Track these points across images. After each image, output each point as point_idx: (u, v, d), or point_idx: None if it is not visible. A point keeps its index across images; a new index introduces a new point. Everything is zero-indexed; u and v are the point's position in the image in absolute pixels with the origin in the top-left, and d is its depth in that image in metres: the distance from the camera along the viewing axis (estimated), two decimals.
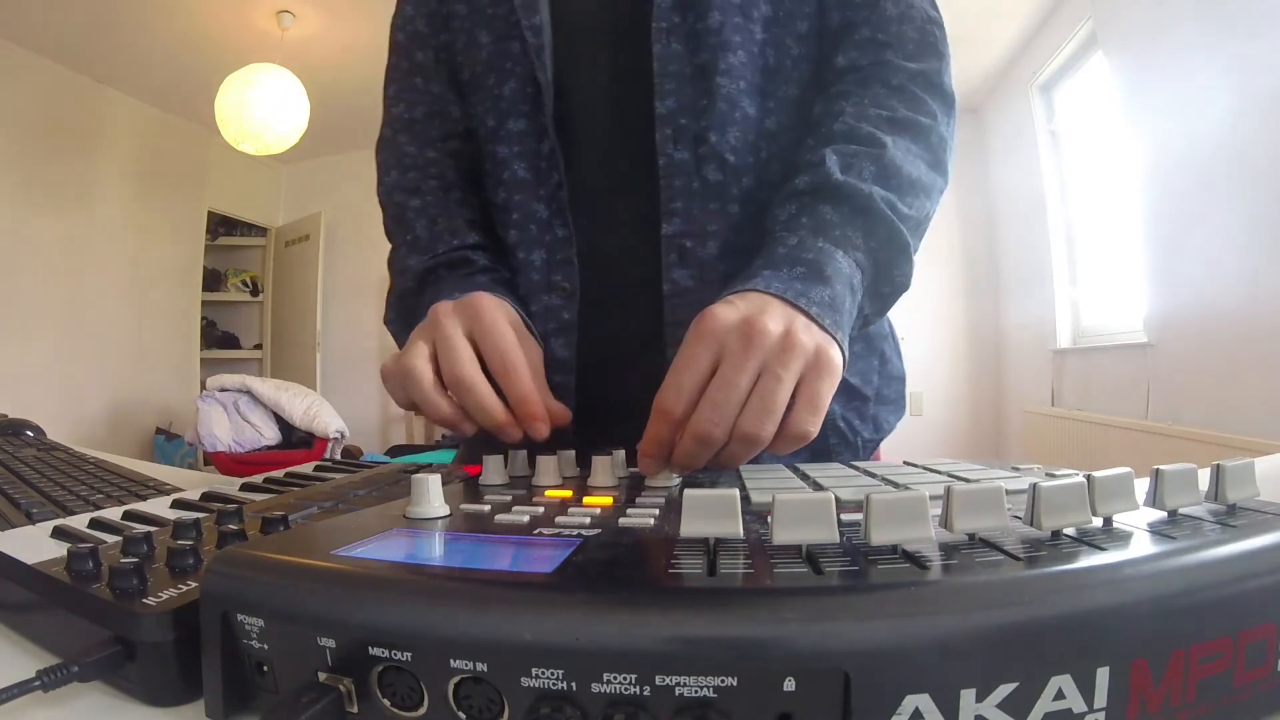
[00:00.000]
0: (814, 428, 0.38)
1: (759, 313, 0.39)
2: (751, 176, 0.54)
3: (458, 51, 0.61)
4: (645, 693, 0.17)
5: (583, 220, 0.56)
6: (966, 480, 0.32)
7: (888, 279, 0.48)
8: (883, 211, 0.47)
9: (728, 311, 0.39)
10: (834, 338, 0.41)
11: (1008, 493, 0.29)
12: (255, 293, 4.65)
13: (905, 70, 0.53)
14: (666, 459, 0.38)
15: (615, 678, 0.17)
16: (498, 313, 0.46)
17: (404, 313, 0.57)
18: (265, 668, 0.21)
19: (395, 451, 3.98)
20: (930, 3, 0.56)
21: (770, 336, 0.38)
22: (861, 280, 0.47)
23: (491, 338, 0.45)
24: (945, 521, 0.21)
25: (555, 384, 0.53)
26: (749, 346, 0.37)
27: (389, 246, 0.63)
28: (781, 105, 0.55)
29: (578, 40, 0.56)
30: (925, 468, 0.38)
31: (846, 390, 0.59)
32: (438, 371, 0.44)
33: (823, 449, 0.59)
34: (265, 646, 0.21)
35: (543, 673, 0.17)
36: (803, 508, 0.21)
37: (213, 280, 4.43)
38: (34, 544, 0.31)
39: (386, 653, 0.19)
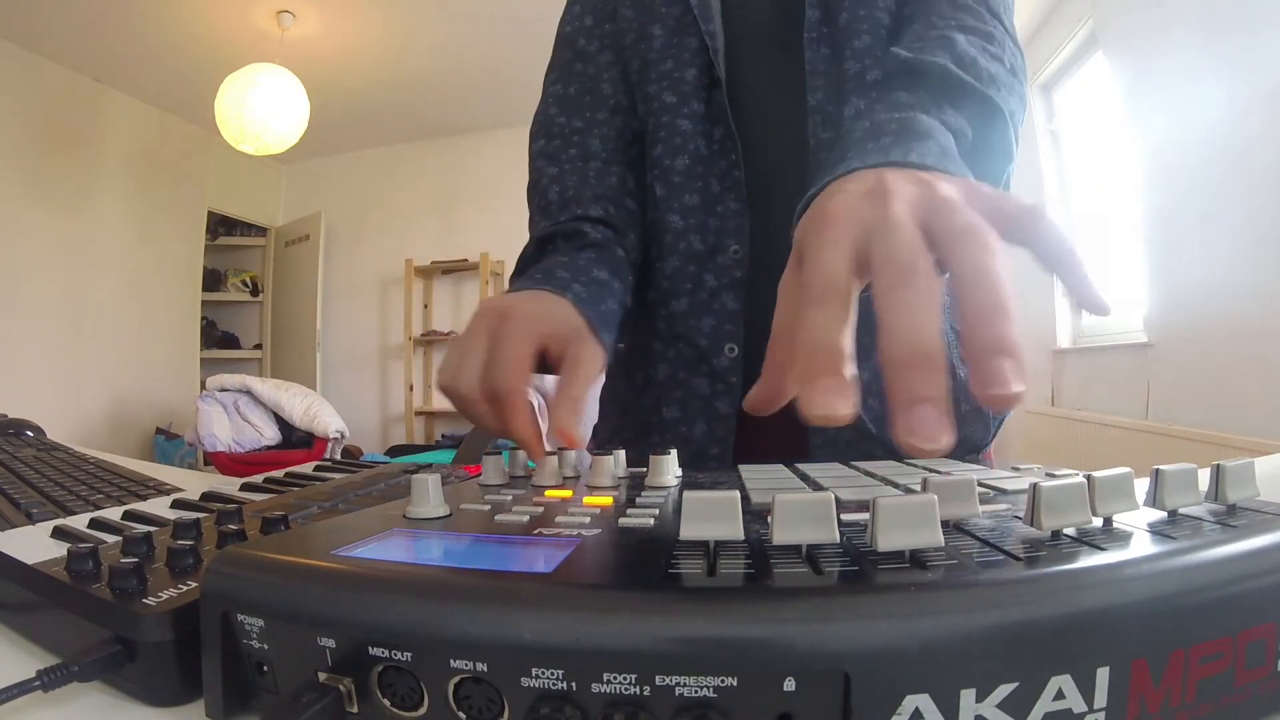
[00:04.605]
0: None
1: (879, 179, 0.30)
2: None
3: (625, 47, 0.67)
4: (645, 693, 0.17)
5: (747, 198, 0.61)
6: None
7: (986, 146, 0.45)
8: (964, 81, 0.44)
9: (842, 198, 0.29)
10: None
11: (1007, 492, 0.30)
12: (255, 293, 4.65)
13: None
14: (842, 370, 0.23)
15: (615, 678, 0.17)
16: (523, 325, 0.43)
17: (521, 278, 0.58)
18: (265, 668, 0.21)
19: (395, 451, 3.98)
20: None
21: (912, 191, 0.28)
22: (956, 143, 0.40)
23: (497, 360, 0.42)
24: None
25: (728, 331, 0.60)
26: (897, 201, 0.28)
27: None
28: None
29: (745, 45, 0.64)
30: (925, 468, 0.38)
31: None
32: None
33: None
34: (265, 646, 0.21)
35: (543, 673, 0.17)
36: (803, 508, 0.21)
37: (213, 280, 4.43)
38: (34, 544, 0.31)
39: (386, 653, 0.19)
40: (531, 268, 0.57)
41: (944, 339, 0.22)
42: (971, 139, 0.44)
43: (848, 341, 0.23)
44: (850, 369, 0.22)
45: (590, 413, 0.53)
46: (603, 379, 0.55)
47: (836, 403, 0.21)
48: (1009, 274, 0.23)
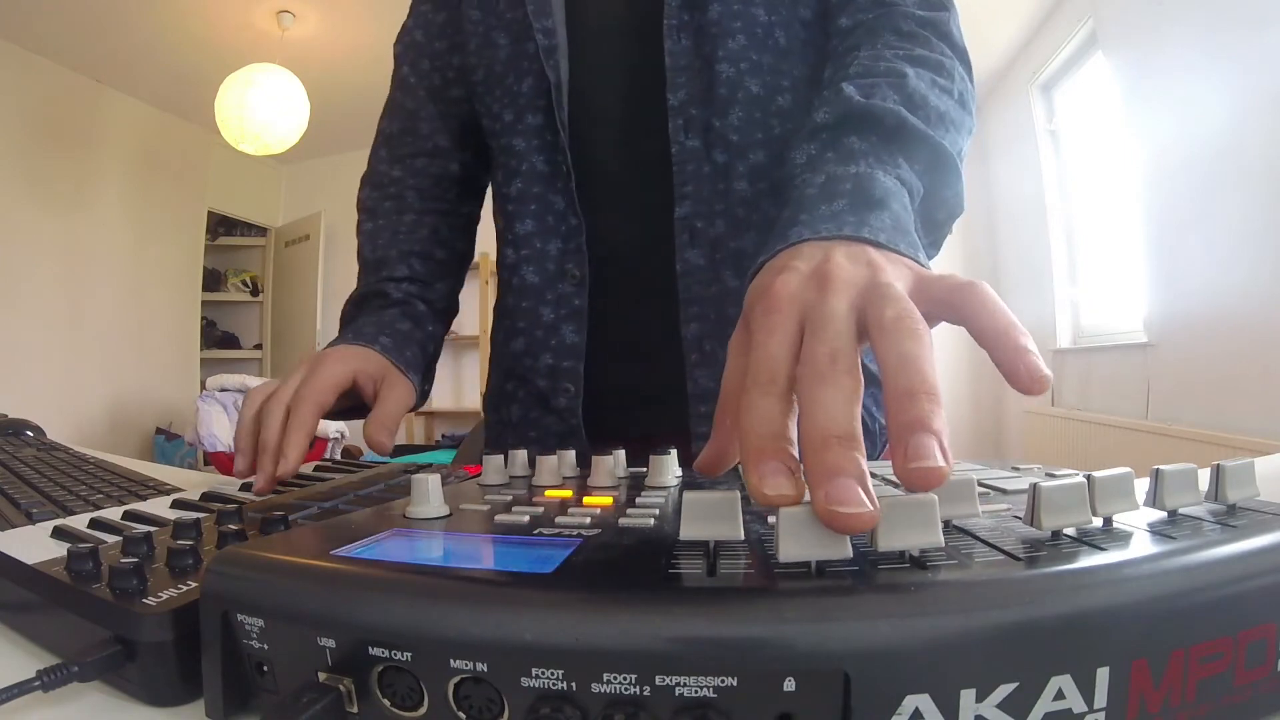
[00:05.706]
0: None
1: (826, 260, 0.31)
2: (762, 152, 0.56)
3: (470, 54, 0.64)
4: (645, 693, 0.17)
5: (597, 211, 0.58)
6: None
7: (938, 201, 0.44)
8: (917, 129, 0.43)
9: (789, 276, 0.30)
10: (918, 261, 0.34)
11: (1007, 492, 0.30)
12: (255, 293, 4.65)
13: (914, 17, 0.52)
14: (789, 453, 0.23)
15: (615, 678, 0.17)
16: (336, 360, 0.53)
17: (340, 334, 0.65)
18: (265, 668, 0.21)
19: (395, 451, 3.95)
20: None
21: (856, 276, 0.29)
22: (910, 201, 0.40)
23: (307, 381, 0.51)
24: None
25: (565, 369, 0.58)
26: (837, 289, 0.28)
27: None
28: (796, 85, 0.57)
29: (593, 40, 0.59)
30: None
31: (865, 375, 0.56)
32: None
33: None
34: (265, 646, 0.21)
35: (543, 673, 0.17)
36: (806, 515, 0.21)
37: (213, 280, 4.43)
38: (34, 544, 0.31)
39: (386, 653, 0.19)
40: (346, 327, 0.63)
41: (858, 423, 0.23)
42: (924, 193, 0.43)
43: (791, 425, 0.24)
44: (794, 451, 0.23)
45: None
46: (408, 408, 0.59)
47: (784, 483, 0.22)
48: (933, 361, 0.24)
